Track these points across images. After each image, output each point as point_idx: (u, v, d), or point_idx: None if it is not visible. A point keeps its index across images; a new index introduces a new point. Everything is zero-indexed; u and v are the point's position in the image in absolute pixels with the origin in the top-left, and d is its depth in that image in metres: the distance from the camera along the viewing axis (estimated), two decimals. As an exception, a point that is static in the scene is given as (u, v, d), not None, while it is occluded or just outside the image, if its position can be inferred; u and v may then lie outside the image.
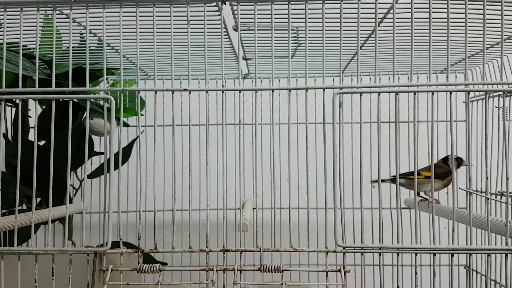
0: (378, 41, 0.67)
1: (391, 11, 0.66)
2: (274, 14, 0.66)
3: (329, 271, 0.63)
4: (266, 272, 0.63)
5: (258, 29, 0.68)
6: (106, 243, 0.62)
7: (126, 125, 1.06)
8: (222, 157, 0.67)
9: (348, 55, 0.94)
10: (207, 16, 0.66)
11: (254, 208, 1.12)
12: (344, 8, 0.65)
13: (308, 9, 0.65)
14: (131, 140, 0.99)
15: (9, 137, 0.96)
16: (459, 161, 0.93)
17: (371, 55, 0.89)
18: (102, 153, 1.02)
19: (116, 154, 0.66)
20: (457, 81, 1.09)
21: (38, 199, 1.00)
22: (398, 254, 0.63)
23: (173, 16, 0.66)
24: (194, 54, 0.83)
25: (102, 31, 0.66)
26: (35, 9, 0.66)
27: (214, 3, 0.66)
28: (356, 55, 0.66)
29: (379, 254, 0.63)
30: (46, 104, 1.00)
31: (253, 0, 0.65)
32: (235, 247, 0.64)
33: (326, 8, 0.65)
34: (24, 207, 0.97)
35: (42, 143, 0.97)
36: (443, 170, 0.95)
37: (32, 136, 1.04)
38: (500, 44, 0.67)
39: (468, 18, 0.64)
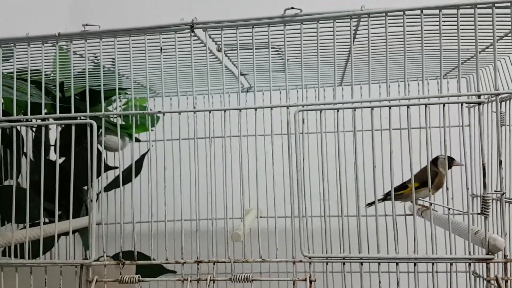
0: (355, 57, 0.69)
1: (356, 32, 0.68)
2: (256, 34, 0.70)
3: (295, 280, 0.66)
4: (238, 281, 0.67)
5: (241, 49, 0.72)
6: (91, 256, 0.68)
7: (137, 140, 1.13)
8: (195, 171, 0.72)
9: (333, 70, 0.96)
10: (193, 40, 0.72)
11: (257, 217, 1.17)
12: (320, 28, 0.68)
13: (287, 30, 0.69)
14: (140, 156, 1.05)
15: (30, 156, 1.04)
16: (450, 161, 0.92)
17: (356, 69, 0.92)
18: (116, 168, 1.09)
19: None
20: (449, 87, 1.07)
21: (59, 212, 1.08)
22: (361, 263, 0.66)
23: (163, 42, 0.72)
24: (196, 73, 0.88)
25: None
26: (41, 43, 0.74)
27: (187, 30, 0.71)
28: (333, 71, 0.68)
29: (343, 264, 0.66)
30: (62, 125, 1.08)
31: (219, 27, 0.69)
32: (208, 258, 0.69)
33: (304, 29, 0.69)
34: (47, 220, 1.05)
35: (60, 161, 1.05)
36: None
37: (51, 155, 1.13)
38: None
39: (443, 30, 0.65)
